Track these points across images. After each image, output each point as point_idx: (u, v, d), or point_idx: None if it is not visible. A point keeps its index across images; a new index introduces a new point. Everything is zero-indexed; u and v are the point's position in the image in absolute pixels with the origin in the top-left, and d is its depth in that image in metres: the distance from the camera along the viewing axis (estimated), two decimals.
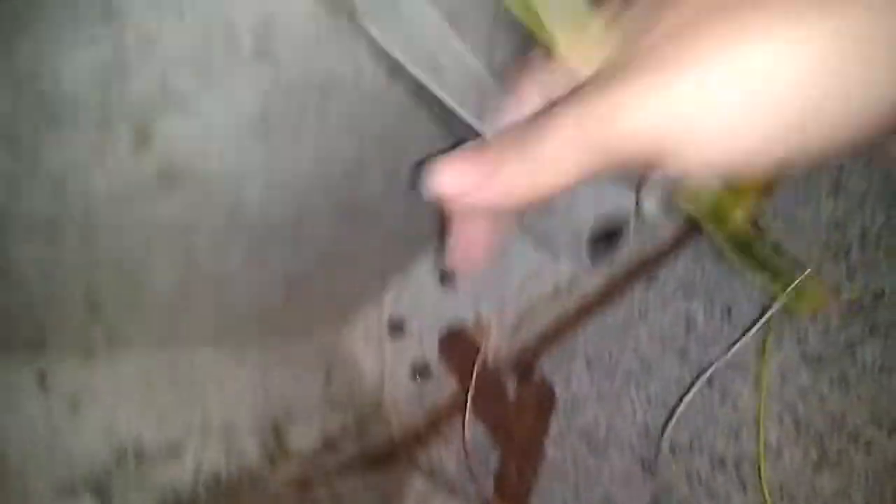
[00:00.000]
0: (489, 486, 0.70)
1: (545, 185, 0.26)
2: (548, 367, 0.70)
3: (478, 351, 0.67)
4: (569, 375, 0.69)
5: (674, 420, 0.64)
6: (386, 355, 0.71)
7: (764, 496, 0.59)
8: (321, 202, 0.49)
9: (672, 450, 0.64)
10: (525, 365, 0.68)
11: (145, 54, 0.31)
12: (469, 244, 0.32)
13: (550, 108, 0.26)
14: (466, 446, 0.73)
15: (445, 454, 0.73)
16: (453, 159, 0.28)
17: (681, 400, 0.64)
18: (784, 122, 0.23)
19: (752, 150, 0.24)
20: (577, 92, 0.26)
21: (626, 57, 0.26)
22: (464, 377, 0.67)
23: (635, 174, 0.31)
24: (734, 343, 0.61)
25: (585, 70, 0.27)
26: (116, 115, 0.33)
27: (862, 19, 0.21)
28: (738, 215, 0.36)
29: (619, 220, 0.43)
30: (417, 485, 0.71)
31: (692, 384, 0.63)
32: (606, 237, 0.45)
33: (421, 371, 0.69)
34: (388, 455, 0.70)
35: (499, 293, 0.67)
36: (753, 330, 0.45)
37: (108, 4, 0.29)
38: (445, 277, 0.68)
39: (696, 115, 0.23)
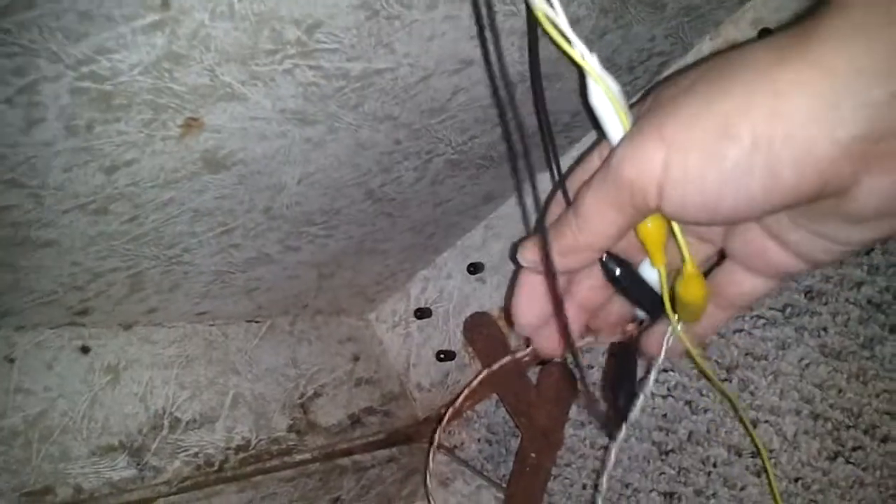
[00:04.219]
0: (508, 468, 0.71)
1: (591, 237, 0.35)
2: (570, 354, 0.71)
3: (502, 337, 0.68)
4: (591, 364, 0.70)
5: (692, 409, 0.65)
6: (412, 338, 0.73)
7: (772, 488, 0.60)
8: (354, 191, 0.51)
9: (690, 438, 0.65)
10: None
11: (197, 46, 0.33)
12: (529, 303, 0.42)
13: (592, 182, 0.35)
14: (487, 429, 0.74)
15: (467, 436, 0.75)
16: (530, 240, 0.39)
17: (700, 391, 0.65)
18: (758, 165, 0.30)
19: (733, 192, 0.31)
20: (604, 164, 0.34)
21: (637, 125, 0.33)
22: (487, 362, 0.69)
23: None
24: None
25: None
26: (167, 102, 0.35)
27: (826, 79, 0.28)
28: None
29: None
30: (439, 463, 0.73)
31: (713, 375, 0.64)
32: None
33: (445, 354, 0.71)
34: (412, 433, 0.72)
35: None
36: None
37: None
38: (475, 268, 0.70)
39: (682, 164, 0.31)
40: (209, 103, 0.36)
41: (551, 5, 0.33)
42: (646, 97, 0.37)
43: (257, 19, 0.34)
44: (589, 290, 0.42)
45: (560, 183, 0.39)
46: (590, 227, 0.35)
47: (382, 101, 0.44)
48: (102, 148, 0.35)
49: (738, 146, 0.29)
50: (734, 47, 0.35)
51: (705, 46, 0.60)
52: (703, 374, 0.63)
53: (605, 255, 0.40)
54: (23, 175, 0.35)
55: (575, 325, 0.43)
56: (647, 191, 0.32)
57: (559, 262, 0.37)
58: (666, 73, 0.61)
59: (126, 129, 0.35)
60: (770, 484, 0.60)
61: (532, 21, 0.35)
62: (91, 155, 0.35)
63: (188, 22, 0.32)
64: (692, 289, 0.38)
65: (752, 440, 0.61)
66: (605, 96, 0.34)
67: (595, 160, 0.40)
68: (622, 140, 0.33)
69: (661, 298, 0.40)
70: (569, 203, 0.38)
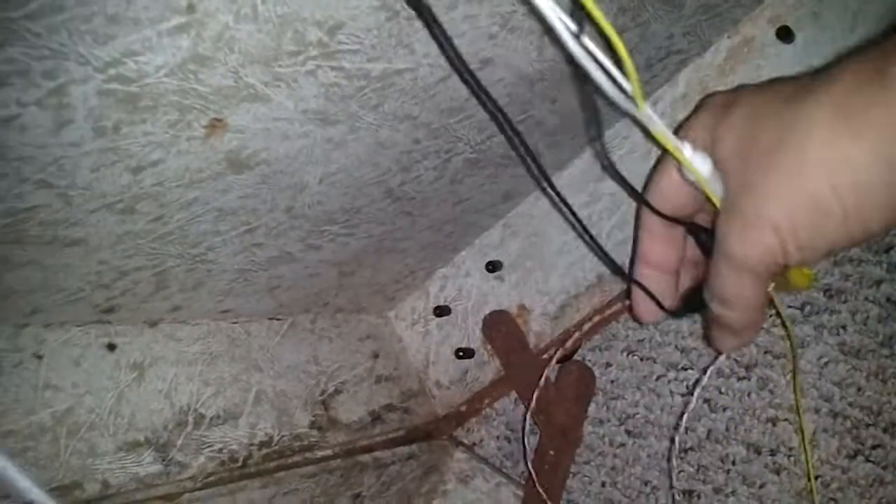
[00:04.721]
0: (528, 465, 0.72)
1: (744, 295, 0.41)
2: (588, 352, 0.71)
3: (520, 335, 0.68)
4: (609, 361, 0.70)
5: (711, 407, 0.65)
6: (431, 336, 0.74)
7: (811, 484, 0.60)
8: (374, 190, 0.51)
9: (709, 436, 0.65)
10: (566, 350, 0.70)
11: (221, 48, 0.34)
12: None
13: (715, 260, 0.41)
14: (506, 427, 0.75)
15: (486, 433, 0.76)
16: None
17: (719, 388, 0.65)
18: (848, 226, 0.35)
19: (831, 245, 0.37)
20: (718, 235, 0.40)
21: (733, 199, 0.39)
22: (506, 360, 0.69)
23: None
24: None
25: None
26: (192, 103, 0.36)
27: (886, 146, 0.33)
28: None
29: None
30: (458, 460, 0.73)
31: (730, 372, 0.65)
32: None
33: (464, 352, 0.72)
34: (431, 430, 0.72)
35: (543, 282, 0.69)
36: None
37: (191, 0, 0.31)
38: (493, 266, 0.70)
39: (788, 241, 0.37)
40: (233, 104, 0.37)
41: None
42: (697, 111, 0.44)
43: (280, 21, 0.34)
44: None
45: (642, 199, 0.48)
46: (739, 307, 0.42)
47: (402, 101, 0.44)
48: (129, 148, 0.36)
49: (835, 220, 0.35)
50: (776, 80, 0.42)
51: (723, 44, 0.60)
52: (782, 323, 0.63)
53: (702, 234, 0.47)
54: (51, 175, 0.35)
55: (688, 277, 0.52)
56: (770, 265, 0.39)
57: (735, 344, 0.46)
58: (684, 70, 0.62)
59: (152, 129, 0.36)
60: (807, 461, 0.61)
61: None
62: (118, 155, 0.36)
63: (213, 24, 0.33)
64: (800, 279, 0.44)
65: (797, 405, 0.61)
66: (698, 180, 0.41)
67: (673, 175, 0.45)
68: (730, 225, 0.39)
69: None
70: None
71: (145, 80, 0.33)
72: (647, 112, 0.37)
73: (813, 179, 0.35)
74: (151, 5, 0.31)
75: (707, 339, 0.51)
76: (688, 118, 0.45)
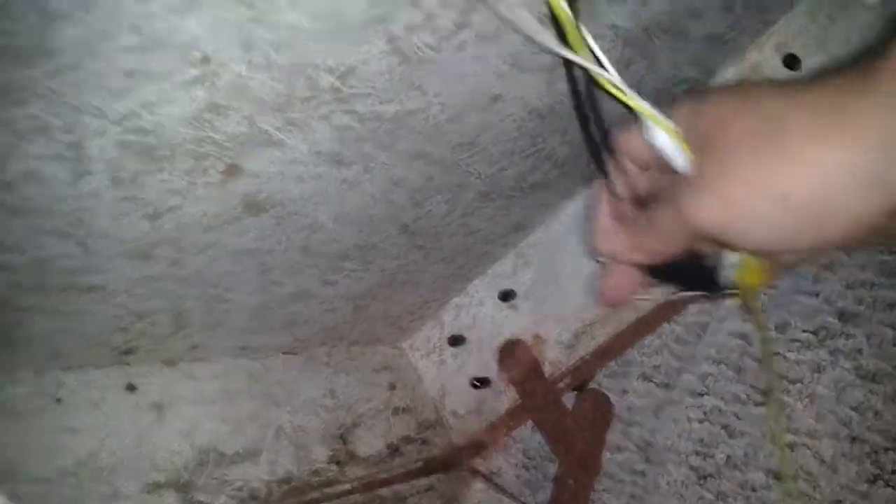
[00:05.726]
0: (546, 494, 0.71)
1: (667, 250, 0.42)
2: (605, 380, 0.71)
3: (536, 364, 0.68)
4: (626, 388, 0.70)
5: (730, 433, 0.65)
6: (447, 366, 0.74)
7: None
8: (388, 226, 0.52)
9: (727, 462, 0.65)
10: (583, 378, 0.69)
11: (236, 97, 0.35)
12: (619, 285, 0.48)
13: (664, 205, 0.41)
14: (524, 455, 0.74)
15: (504, 462, 0.75)
16: (610, 232, 0.46)
17: (736, 414, 0.65)
18: (801, 223, 0.35)
19: (779, 241, 0.36)
20: (673, 194, 0.39)
21: (695, 172, 0.39)
22: (522, 389, 0.69)
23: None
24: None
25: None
26: (207, 150, 0.36)
27: (857, 152, 0.33)
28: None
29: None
30: (477, 490, 0.73)
31: (747, 398, 0.64)
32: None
33: (480, 382, 0.72)
34: (449, 461, 0.72)
35: (557, 310, 0.69)
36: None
37: (206, 52, 0.32)
38: (506, 295, 0.70)
39: (737, 219, 0.37)
40: (248, 150, 0.38)
41: (605, 68, 0.39)
42: (683, 101, 0.41)
43: (293, 69, 0.35)
44: None
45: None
46: (666, 242, 0.42)
47: (415, 140, 0.45)
48: (146, 196, 0.37)
49: (793, 217, 0.35)
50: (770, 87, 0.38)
51: (730, 72, 0.61)
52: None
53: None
54: (70, 225, 0.36)
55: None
56: (710, 234, 0.38)
57: (638, 257, 0.45)
58: None
59: (169, 177, 0.36)
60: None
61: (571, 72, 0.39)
62: (135, 204, 0.37)
63: (227, 75, 0.33)
64: (751, 277, 0.44)
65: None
66: (670, 137, 0.40)
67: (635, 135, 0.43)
68: (689, 186, 0.39)
69: (713, 279, 0.46)
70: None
71: (162, 130, 0.34)
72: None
73: (783, 174, 0.35)
74: (166, 59, 0.31)
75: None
76: None
